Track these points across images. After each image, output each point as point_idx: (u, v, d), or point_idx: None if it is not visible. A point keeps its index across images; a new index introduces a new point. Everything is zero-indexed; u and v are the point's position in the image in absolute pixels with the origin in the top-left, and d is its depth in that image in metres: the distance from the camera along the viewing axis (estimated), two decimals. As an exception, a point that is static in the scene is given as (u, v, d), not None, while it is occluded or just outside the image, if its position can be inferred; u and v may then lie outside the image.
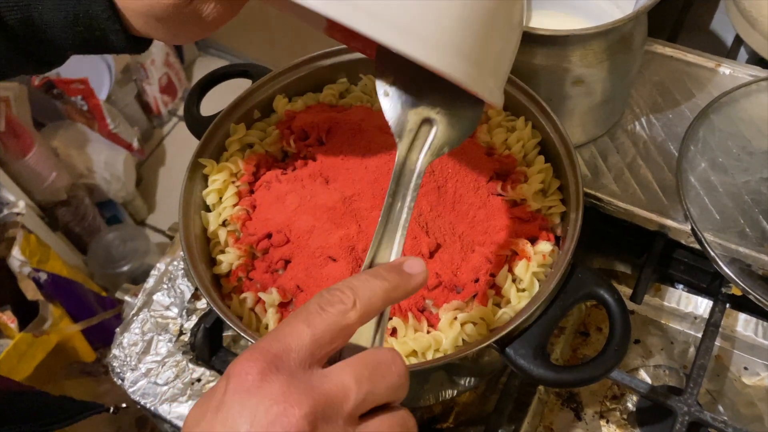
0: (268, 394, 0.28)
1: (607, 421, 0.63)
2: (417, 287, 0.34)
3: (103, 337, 1.23)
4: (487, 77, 0.38)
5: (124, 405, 0.68)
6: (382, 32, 0.34)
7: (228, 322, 0.48)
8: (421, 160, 0.40)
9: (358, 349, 0.32)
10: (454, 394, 0.56)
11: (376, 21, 0.34)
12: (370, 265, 0.36)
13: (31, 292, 1.10)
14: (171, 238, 0.74)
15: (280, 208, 0.54)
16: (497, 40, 0.39)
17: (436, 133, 0.41)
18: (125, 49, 0.44)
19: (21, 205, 1.15)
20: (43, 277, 1.12)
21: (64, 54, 0.45)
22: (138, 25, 0.41)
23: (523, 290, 0.50)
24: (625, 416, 0.63)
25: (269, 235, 0.53)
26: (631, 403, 0.64)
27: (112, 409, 0.69)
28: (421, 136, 0.41)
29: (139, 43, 0.44)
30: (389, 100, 0.42)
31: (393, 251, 0.37)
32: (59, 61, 0.46)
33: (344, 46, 0.60)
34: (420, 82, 0.40)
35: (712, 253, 0.56)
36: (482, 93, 0.38)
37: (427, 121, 0.41)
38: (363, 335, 0.33)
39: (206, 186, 0.57)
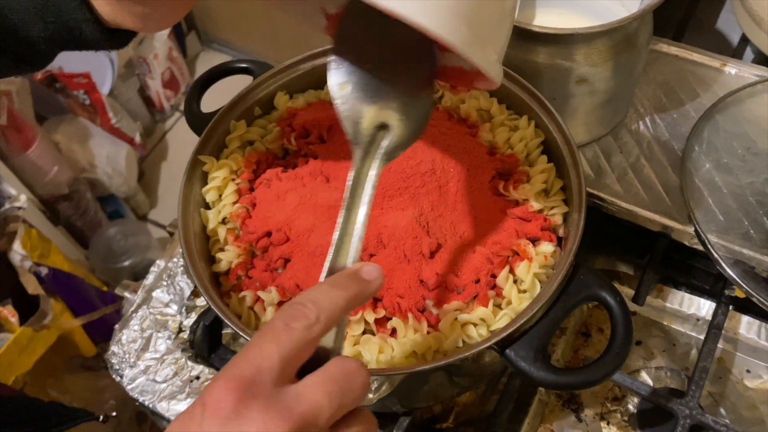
0: (248, 421, 0.29)
1: (608, 423, 0.63)
2: (375, 292, 0.36)
3: (103, 332, 1.23)
4: (487, 47, 0.36)
5: (113, 414, 0.68)
6: None
7: (226, 321, 0.47)
8: (374, 169, 0.40)
9: (322, 352, 0.34)
10: (454, 394, 0.55)
11: None
12: (329, 273, 0.37)
13: (32, 286, 1.09)
14: (172, 234, 0.74)
15: (280, 206, 0.54)
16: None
17: (392, 137, 0.41)
18: (101, 43, 0.42)
19: (22, 199, 1.15)
20: (44, 271, 1.12)
21: (40, 50, 0.42)
22: (105, 13, 0.40)
23: (525, 291, 0.49)
24: (625, 418, 0.63)
25: (269, 234, 0.53)
26: (632, 404, 0.63)
27: (101, 418, 0.69)
28: (376, 140, 0.41)
29: (115, 36, 0.42)
30: (344, 94, 0.41)
31: (350, 258, 0.38)
32: (38, 60, 0.43)
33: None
34: (379, 75, 0.38)
35: (716, 255, 0.56)
36: (482, 64, 0.36)
37: (382, 127, 0.41)
38: (325, 338, 0.35)
39: (206, 183, 0.57)
